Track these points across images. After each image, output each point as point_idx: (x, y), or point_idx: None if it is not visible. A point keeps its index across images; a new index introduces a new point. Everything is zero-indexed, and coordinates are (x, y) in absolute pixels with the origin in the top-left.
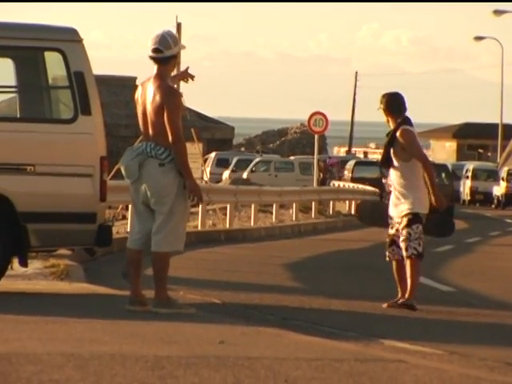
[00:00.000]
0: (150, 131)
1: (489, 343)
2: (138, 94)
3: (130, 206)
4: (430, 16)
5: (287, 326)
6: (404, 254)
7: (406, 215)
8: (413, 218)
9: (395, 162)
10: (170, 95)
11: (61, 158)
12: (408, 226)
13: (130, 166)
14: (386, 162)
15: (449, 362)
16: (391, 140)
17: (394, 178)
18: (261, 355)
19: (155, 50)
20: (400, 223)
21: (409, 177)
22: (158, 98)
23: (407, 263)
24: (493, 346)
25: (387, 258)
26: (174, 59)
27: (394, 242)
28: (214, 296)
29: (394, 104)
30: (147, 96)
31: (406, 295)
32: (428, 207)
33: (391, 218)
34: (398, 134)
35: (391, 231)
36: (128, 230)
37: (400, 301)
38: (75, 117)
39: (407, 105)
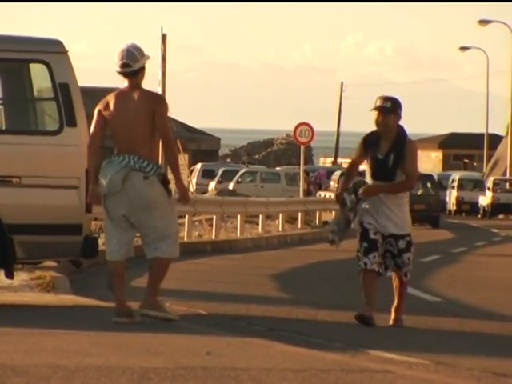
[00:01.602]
0: (131, 143)
1: (475, 353)
2: (109, 108)
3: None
4: (413, 26)
5: (274, 337)
6: (404, 279)
7: (404, 237)
8: (410, 241)
9: (396, 175)
10: (161, 101)
11: (46, 169)
12: (408, 250)
13: (114, 179)
14: (388, 174)
15: (435, 372)
16: (401, 150)
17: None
18: (247, 366)
19: (124, 65)
20: (392, 243)
21: (405, 193)
22: (146, 105)
23: (402, 285)
24: (479, 356)
25: (366, 266)
26: (143, 70)
27: (376, 248)
28: (200, 307)
29: (400, 109)
30: (128, 108)
31: (399, 315)
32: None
33: (370, 224)
34: (407, 144)
35: (374, 236)
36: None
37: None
38: (60, 128)
39: None
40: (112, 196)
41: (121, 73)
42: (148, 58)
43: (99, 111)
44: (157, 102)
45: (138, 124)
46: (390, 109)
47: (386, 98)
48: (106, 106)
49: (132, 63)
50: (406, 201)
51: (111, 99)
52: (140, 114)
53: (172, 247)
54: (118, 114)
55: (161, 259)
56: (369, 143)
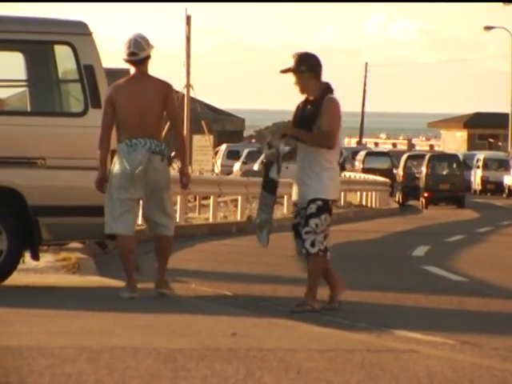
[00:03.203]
0: (146, 127)
1: (500, 333)
2: (121, 94)
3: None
4: (436, 6)
5: (299, 318)
6: (310, 250)
7: (313, 201)
8: (322, 206)
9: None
10: (171, 89)
11: (71, 151)
12: (316, 215)
13: (142, 163)
14: (304, 127)
15: (461, 352)
16: (318, 106)
17: (302, 156)
18: (273, 347)
19: (131, 54)
20: (305, 209)
21: (319, 155)
22: (159, 92)
23: (310, 259)
24: (504, 336)
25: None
26: (149, 59)
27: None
28: (226, 288)
29: (315, 65)
30: (142, 94)
31: (304, 296)
32: (337, 193)
33: (295, 205)
34: (325, 101)
35: (295, 220)
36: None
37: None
38: (85, 110)
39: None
40: (133, 178)
41: (128, 61)
42: (153, 47)
43: (109, 100)
44: (168, 89)
45: (152, 109)
46: (292, 69)
47: (293, 57)
48: (119, 92)
49: (139, 52)
50: (328, 168)
51: (122, 85)
52: (154, 99)
53: (173, 226)
54: (133, 100)
55: (169, 237)
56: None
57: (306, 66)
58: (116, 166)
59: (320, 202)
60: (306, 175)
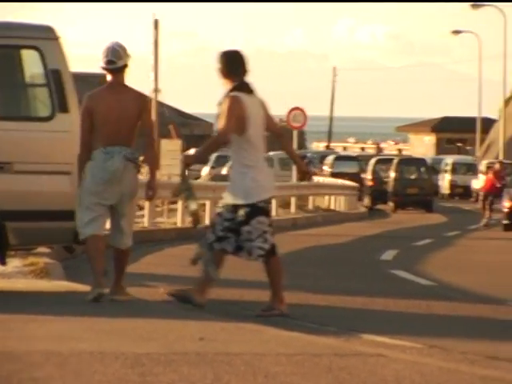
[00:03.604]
0: (122, 136)
1: (468, 337)
2: (99, 103)
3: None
4: (404, 10)
5: (267, 322)
6: (251, 257)
7: (241, 207)
8: (250, 211)
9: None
10: (147, 101)
11: (38, 155)
12: (246, 222)
13: (119, 169)
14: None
15: (428, 356)
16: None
17: (231, 158)
18: (240, 351)
19: (109, 62)
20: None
21: (236, 154)
22: (135, 103)
23: (266, 265)
24: (472, 340)
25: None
26: (126, 67)
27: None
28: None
29: (225, 63)
30: (120, 104)
31: (270, 300)
32: (267, 192)
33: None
34: (223, 101)
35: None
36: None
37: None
38: (52, 115)
39: (249, 67)
40: (109, 185)
41: (105, 69)
42: (130, 56)
43: (86, 110)
44: (145, 101)
45: (128, 120)
46: (220, 68)
47: (220, 55)
48: (97, 102)
49: (116, 60)
50: (251, 166)
51: (100, 95)
52: (131, 111)
53: (131, 236)
54: (111, 110)
55: (128, 248)
56: None
57: (220, 65)
58: (90, 173)
59: (247, 209)
60: (232, 178)
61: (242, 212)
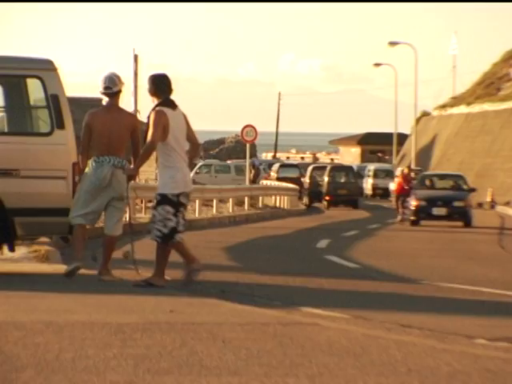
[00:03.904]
0: (113, 147)
1: (386, 309)
2: (97, 120)
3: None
4: (335, 47)
5: (225, 297)
6: (151, 236)
7: (157, 195)
8: (160, 200)
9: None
10: (137, 119)
11: (40, 164)
12: (154, 207)
13: (107, 176)
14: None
15: (354, 325)
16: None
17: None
18: (203, 321)
19: (106, 88)
20: None
21: (161, 157)
22: (129, 121)
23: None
24: (389, 311)
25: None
26: (120, 92)
27: None
28: (166, 274)
29: (160, 85)
30: (113, 122)
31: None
32: (179, 188)
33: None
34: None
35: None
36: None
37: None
38: (52, 131)
39: (173, 87)
40: (99, 189)
41: (104, 93)
42: (123, 83)
43: (87, 124)
44: (135, 120)
45: (119, 135)
46: (149, 89)
47: (149, 77)
48: (95, 119)
49: (112, 86)
50: (169, 167)
51: (98, 114)
52: (123, 126)
53: (121, 228)
54: (105, 126)
55: (116, 237)
56: None
57: (150, 85)
58: (85, 177)
59: (158, 197)
60: (158, 175)
61: (155, 199)
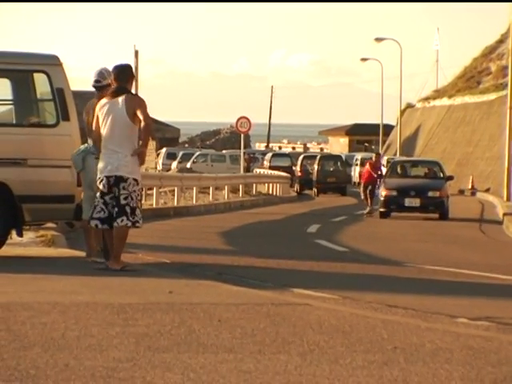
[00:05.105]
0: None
1: (373, 290)
2: (93, 110)
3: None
4: (323, 42)
5: (221, 279)
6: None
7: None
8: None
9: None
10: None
11: (47, 153)
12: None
13: (78, 163)
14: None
15: (343, 305)
16: None
17: None
18: (200, 301)
19: (96, 81)
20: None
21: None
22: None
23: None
24: (376, 292)
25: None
26: (110, 86)
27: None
28: (165, 257)
29: (124, 74)
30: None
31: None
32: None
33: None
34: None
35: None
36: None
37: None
38: (57, 122)
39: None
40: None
41: (94, 86)
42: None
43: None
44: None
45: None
46: (113, 78)
47: (113, 69)
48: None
49: (102, 80)
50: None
51: (90, 106)
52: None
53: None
54: (91, 118)
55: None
56: None
57: (115, 74)
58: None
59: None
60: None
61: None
